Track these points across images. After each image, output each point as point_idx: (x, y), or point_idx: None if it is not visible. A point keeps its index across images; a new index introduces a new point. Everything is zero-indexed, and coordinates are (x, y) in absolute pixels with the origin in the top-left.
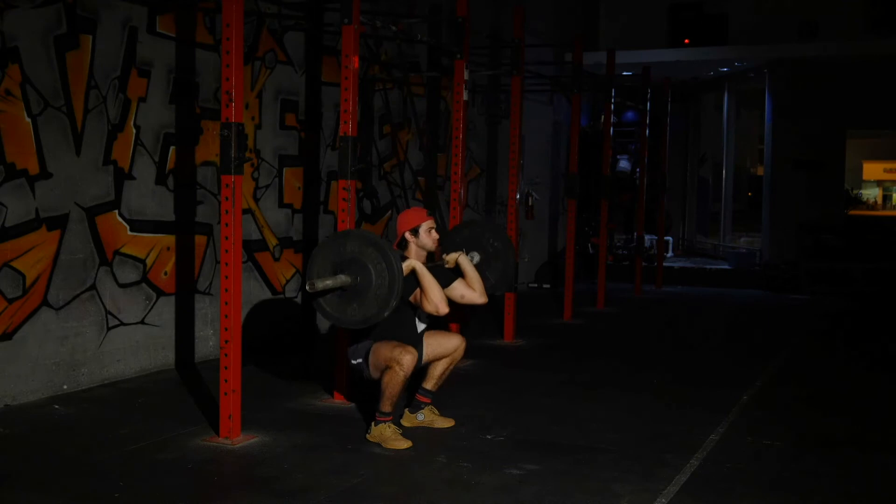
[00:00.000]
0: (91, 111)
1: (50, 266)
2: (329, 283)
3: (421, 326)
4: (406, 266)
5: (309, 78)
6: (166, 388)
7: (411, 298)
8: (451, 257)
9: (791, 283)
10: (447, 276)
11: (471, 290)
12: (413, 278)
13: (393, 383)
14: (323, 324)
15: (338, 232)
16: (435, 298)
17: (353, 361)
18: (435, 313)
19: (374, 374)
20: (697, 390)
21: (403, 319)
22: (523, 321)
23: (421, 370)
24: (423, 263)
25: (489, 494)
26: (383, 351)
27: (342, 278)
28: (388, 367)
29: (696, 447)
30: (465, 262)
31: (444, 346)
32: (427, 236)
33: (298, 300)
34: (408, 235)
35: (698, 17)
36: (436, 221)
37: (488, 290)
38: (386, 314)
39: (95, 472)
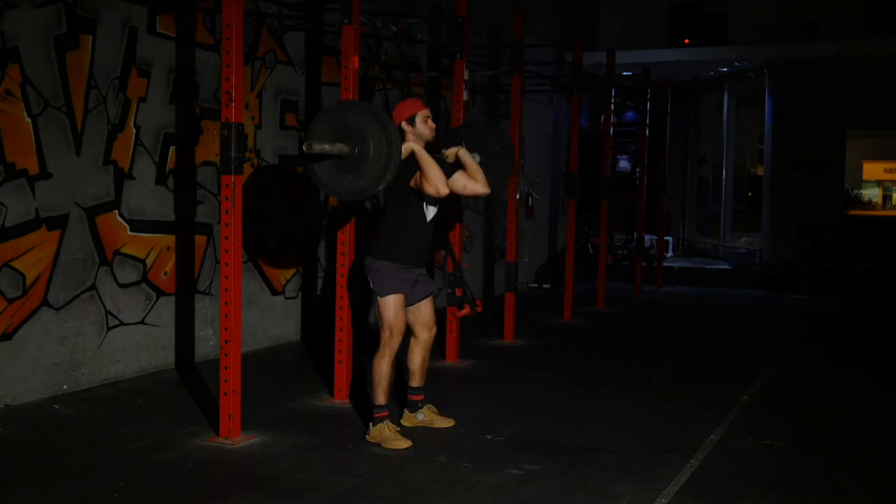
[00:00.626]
0: (91, 111)
1: (50, 266)
2: (327, 147)
3: (430, 212)
4: (405, 148)
5: (309, 78)
6: (166, 388)
7: (412, 183)
8: (450, 151)
9: (791, 283)
10: (448, 169)
11: (472, 181)
12: (413, 161)
13: (381, 366)
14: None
15: (341, 101)
16: (435, 179)
17: (370, 281)
18: (436, 195)
19: (375, 312)
20: (697, 390)
21: (412, 210)
22: (523, 321)
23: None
24: None
25: (489, 494)
26: (388, 314)
27: (340, 146)
28: (377, 350)
29: (696, 447)
30: (465, 154)
31: (427, 320)
32: (424, 125)
33: (298, 301)
34: (404, 125)
35: (698, 17)
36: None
37: (492, 185)
38: (381, 187)
39: (95, 472)
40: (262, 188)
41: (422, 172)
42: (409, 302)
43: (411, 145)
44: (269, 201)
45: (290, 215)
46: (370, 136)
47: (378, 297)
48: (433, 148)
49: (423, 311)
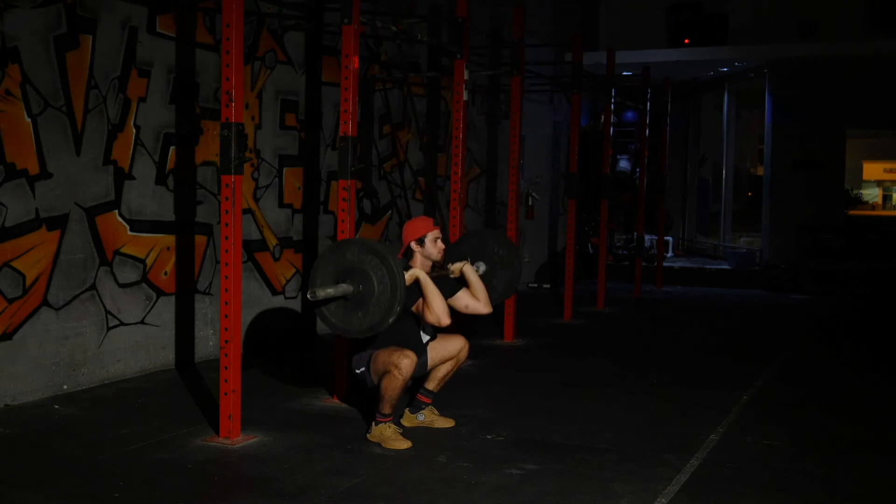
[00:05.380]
0: (91, 111)
1: (50, 266)
2: (331, 291)
3: (426, 338)
4: (409, 276)
5: (309, 78)
6: (166, 388)
7: (414, 309)
8: (455, 267)
9: (791, 283)
10: (452, 285)
11: (475, 301)
12: (416, 288)
13: (391, 387)
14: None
15: (337, 242)
16: (437, 309)
17: (357, 371)
18: (437, 324)
19: (375, 379)
20: (697, 390)
21: (407, 331)
22: (523, 321)
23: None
24: (428, 273)
25: (489, 494)
26: (382, 356)
27: (344, 287)
28: (386, 372)
29: (696, 447)
30: (470, 271)
31: (448, 350)
32: (433, 246)
33: (298, 301)
34: (413, 245)
35: (698, 17)
36: (441, 231)
37: (496, 299)
38: (391, 320)
39: (95, 472)
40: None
41: (425, 300)
42: (420, 374)
43: (416, 272)
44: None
45: (290, 214)
46: (371, 271)
47: (369, 365)
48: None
49: (439, 348)
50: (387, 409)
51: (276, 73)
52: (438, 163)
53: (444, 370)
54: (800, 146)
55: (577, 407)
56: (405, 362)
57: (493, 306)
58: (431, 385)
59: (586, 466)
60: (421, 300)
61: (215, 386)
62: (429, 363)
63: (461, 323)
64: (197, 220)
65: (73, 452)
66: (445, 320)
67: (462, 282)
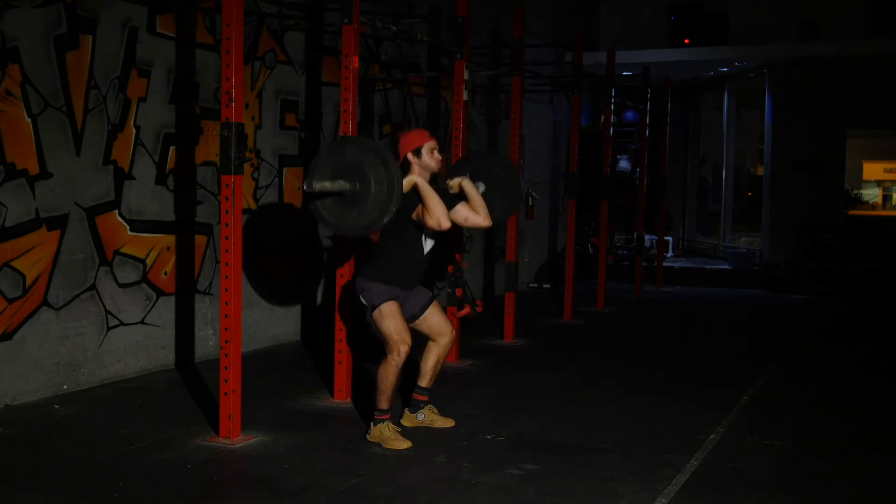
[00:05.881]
0: (91, 111)
1: (50, 266)
2: (328, 185)
3: (428, 245)
4: (407, 182)
5: (309, 78)
6: (166, 388)
7: (413, 216)
8: (454, 182)
9: (791, 283)
10: (451, 200)
11: (474, 213)
12: (415, 194)
13: (386, 375)
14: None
15: (338, 139)
16: (436, 213)
17: (362, 300)
18: (437, 228)
19: (374, 331)
20: (697, 390)
21: (410, 241)
22: (523, 321)
23: (414, 366)
24: None
25: (489, 494)
26: (387, 325)
27: (341, 183)
28: (383, 358)
29: (696, 447)
30: (469, 185)
31: (439, 327)
32: (429, 157)
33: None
34: (410, 156)
35: (698, 17)
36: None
37: (495, 219)
38: (386, 220)
39: (95, 472)
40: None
41: (424, 206)
42: (410, 315)
43: (414, 178)
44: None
45: (289, 215)
46: (370, 170)
47: (373, 313)
48: (437, 178)
49: (434, 319)
50: (384, 404)
51: (276, 73)
52: None
53: (431, 361)
54: (800, 146)
55: (577, 407)
56: (403, 349)
57: (494, 224)
58: (424, 381)
59: (586, 466)
60: (420, 206)
61: (215, 386)
62: (422, 322)
63: (462, 323)
64: (197, 220)
65: (73, 452)
66: (445, 223)
67: (461, 197)
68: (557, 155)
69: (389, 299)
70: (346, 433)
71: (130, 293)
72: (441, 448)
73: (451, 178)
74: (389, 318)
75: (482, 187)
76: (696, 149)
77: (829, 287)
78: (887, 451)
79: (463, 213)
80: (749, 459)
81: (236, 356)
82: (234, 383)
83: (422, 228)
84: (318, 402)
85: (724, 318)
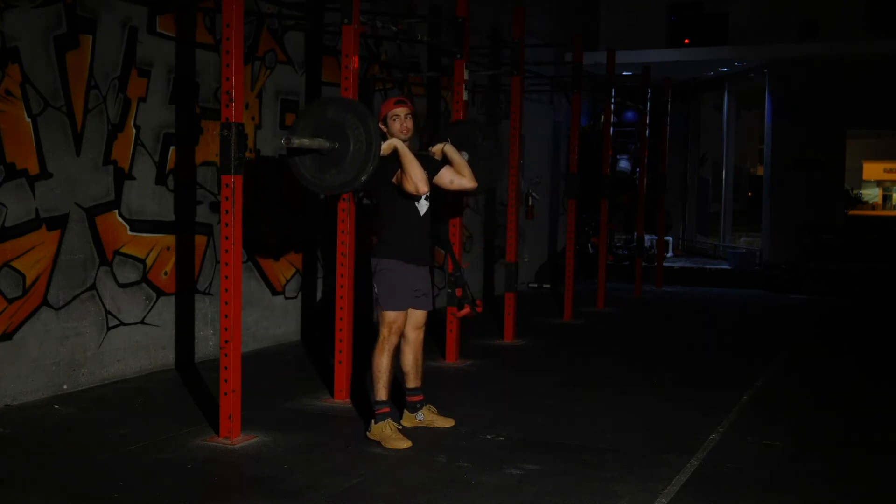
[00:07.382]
0: (91, 111)
1: (50, 266)
2: (306, 141)
3: (423, 207)
4: (387, 145)
5: (309, 78)
6: (166, 388)
7: (394, 179)
8: (437, 148)
9: (791, 283)
10: (436, 165)
11: (459, 176)
12: (395, 158)
13: (379, 364)
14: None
15: (321, 98)
16: (414, 177)
17: (375, 285)
18: (415, 192)
19: (379, 310)
20: (697, 390)
21: (404, 207)
22: (523, 321)
23: (398, 366)
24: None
25: (489, 494)
26: (389, 317)
27: (319, 140)
28: (376, 345)
29: (696, 447)
30: (451, 150)
31: (416, 318)
32: (393, 124)
33: (298, 301)
34: (381, 126)
35: (698, 17)
36: (412, 108)
37: (481, 185)
38: (363, 179)
39: (95, 472)
40: (261, 186)
41: (402, 169)
42: (418, 305)
43: (395, 142)
44: (268, 200)
45: (289, 214)
46: (349, 129)
47: (383, 299)
48: (421, 145)
49: (417, 314)
50: (382, 394)
51: (276, 73)
52: None
53: (409, 359)
54: (800, 146)
55: (577, 407)
56: (395, 327)
57: (480, 189)
58: (411, 381)
59: (586, 466)
60: (400, 171)
61: (215, 386)
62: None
63: (461, 323)
64: (197, 220)
65: (73, 452)
66: (423, 188)
67: (446, 162)
68: (557, 155)
69: (402, 308)
70: (346, 433)
71: (130, 293)
72: (441, 448)
73: (434, 146)
74: (394, 313)
75: (466, 156)
76: (696, 149)
77: (830, 287)
78: (887, 451)
79: (448, 176)
80: (749, 459)
81: (236, 356)
82: (234, 383)
83: (405, 194)
84: (318, 402)
85: (723, 318)
